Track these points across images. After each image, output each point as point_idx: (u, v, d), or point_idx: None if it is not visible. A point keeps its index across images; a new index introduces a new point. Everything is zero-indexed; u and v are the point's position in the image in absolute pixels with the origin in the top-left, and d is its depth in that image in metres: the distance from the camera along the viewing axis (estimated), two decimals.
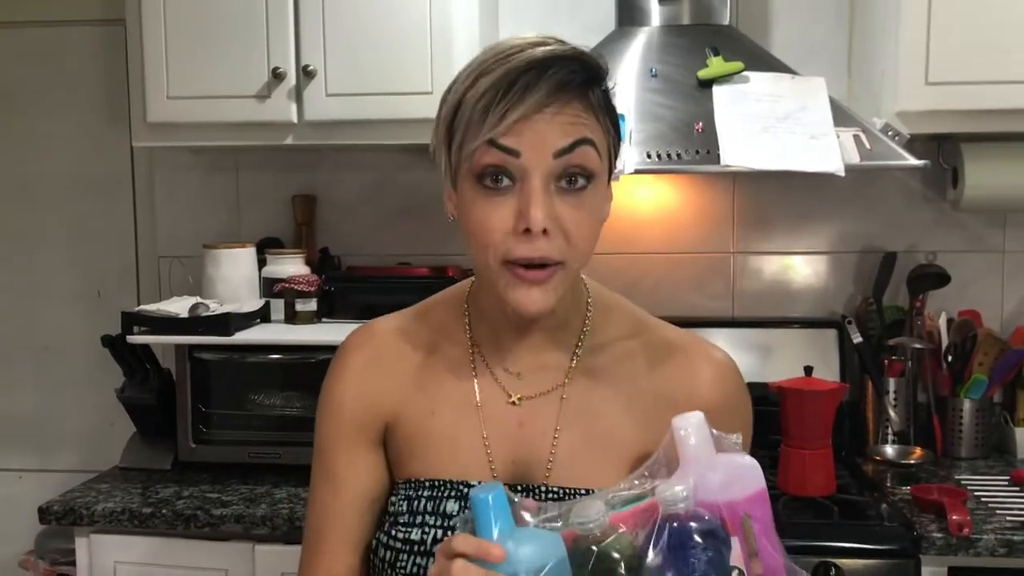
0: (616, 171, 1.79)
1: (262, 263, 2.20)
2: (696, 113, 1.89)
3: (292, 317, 2.12)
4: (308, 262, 2.22)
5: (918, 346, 2.13)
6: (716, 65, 1.92)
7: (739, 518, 0.86)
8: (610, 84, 0.98)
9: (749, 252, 2.32)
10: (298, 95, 2.01)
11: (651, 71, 1.95)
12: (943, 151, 2.17)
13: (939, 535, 1.66)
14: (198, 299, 2.08)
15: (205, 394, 2.09)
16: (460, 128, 0.94)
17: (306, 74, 1.99)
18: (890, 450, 2.09)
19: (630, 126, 1.87)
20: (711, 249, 2.32)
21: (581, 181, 0.94)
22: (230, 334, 1.99)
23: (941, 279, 2.18)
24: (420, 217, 2.34)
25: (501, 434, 1.04)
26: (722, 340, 2.20)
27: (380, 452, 1.08)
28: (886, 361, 2.14)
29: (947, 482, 1.94)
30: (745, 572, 0.85)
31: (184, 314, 2.01)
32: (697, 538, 0.84)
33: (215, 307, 2.06)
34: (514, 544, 0.84)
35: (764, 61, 1.99)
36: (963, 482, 1.94)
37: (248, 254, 2.19)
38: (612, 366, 1.05)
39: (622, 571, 0.84)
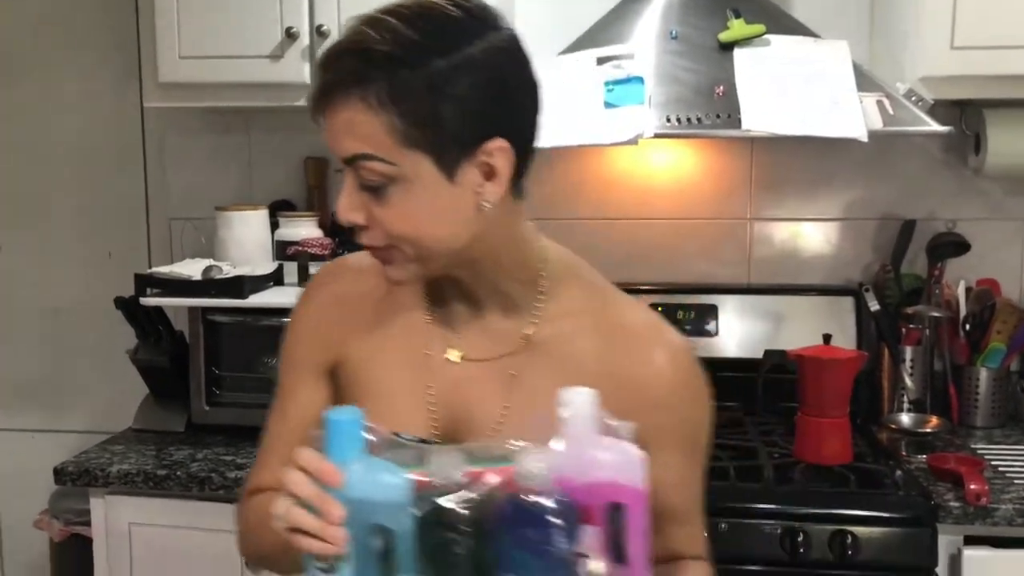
0: (635, 135, 1.79)
1: (275, 226, 2.18)
2: (717, 76, 1.86)
3: (305, 280, 2.11)
4: (321, 225, 2.20)
5: (936, 314, 2.11)
6: (737, 27, 1.89)
7: (605, 506, 0.82)
8: (441, 62, 0.86)
9: (766, 218, 2.29)
10: (311, 55, 1.98)
11: (671, 33, 1.92)
12: (966, 117, 2.13)
13: (956, 504, 1.65)
14: (211, 261, 2.07)
15: (218, 356, 2.08)
16: None
17: (320, 34, 1.96)
18: (906, 419, 2.08)
19: (649, 89, 1.84)
20: (728, 215, 2.30)
21: (376, 185, 0.90)
22: (244, 297, 1.98)
23: (960, 247, 2.15)
24: None
25: (442, 394, 1.02)
26: (738, 307, 2.22)
27: (329, 388, 1.09)
28: (903, 329, 2.12)
29: (963, 451, 1.93)
30: (597, 562, 0.81)
31: (197, 276, 2.00)
32: (542, 516, 0.80)
33: (228, 270, 2.05)
34: (357, 473, 0.82)
35: (785, 24, 1.96)
36: (979, 451, 1.93)
37: (260, 217, 2.18)
38: (562, 342, 1.01)
39: (460, 528, 0.81)
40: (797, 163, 2.26)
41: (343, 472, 0.82)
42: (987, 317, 2.12)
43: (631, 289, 2.20)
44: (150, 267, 2.29)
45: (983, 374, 2.10)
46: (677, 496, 1.02)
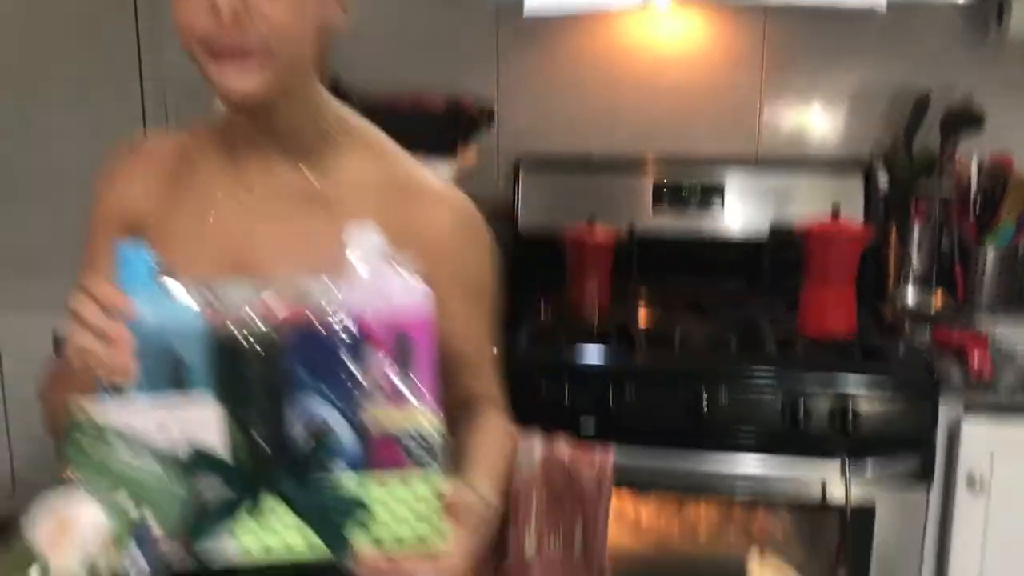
0: None
1: None
2: None
3: None
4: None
5: (946, 191, 2.08)
6: None
7: (392, 335, 0.86)
8: None
9: (777, 92, 2.23)
10: None
11: None
12: None
13: (958, 377, 1.66)
14: None
15: None
16: None
17: None
18: (911, 296, 2.07)
19: None
20: (738, 88, 2.24)
21: None
22: None
23: (975, 121, 2.10)
24: (437, 47, 2.25)
25: (234, 248, 1.04)
26: (745, 183, 2.17)
27: None
28: (912, 206, 2.09)
29: (967, 327, 1.93)
30: (383, 385, 0.85)
31: None
32: (331, 343, 0.84)
33: None
34: (147, 302, 0.85)
35: None
36: (983, 328, 1.93)
37: None
38: (350, 198, 1.04)
39: (250, 356, 0.84)
40: (811, 36, 2.18)
41: (133, 301, 0.84)
42: (998, 195, 2.08)
43: (638, 161, 2.19)
44: (145, 132, 2.24)
45: (991, 253, 2.07)
46: (467, 344, 1.10)
